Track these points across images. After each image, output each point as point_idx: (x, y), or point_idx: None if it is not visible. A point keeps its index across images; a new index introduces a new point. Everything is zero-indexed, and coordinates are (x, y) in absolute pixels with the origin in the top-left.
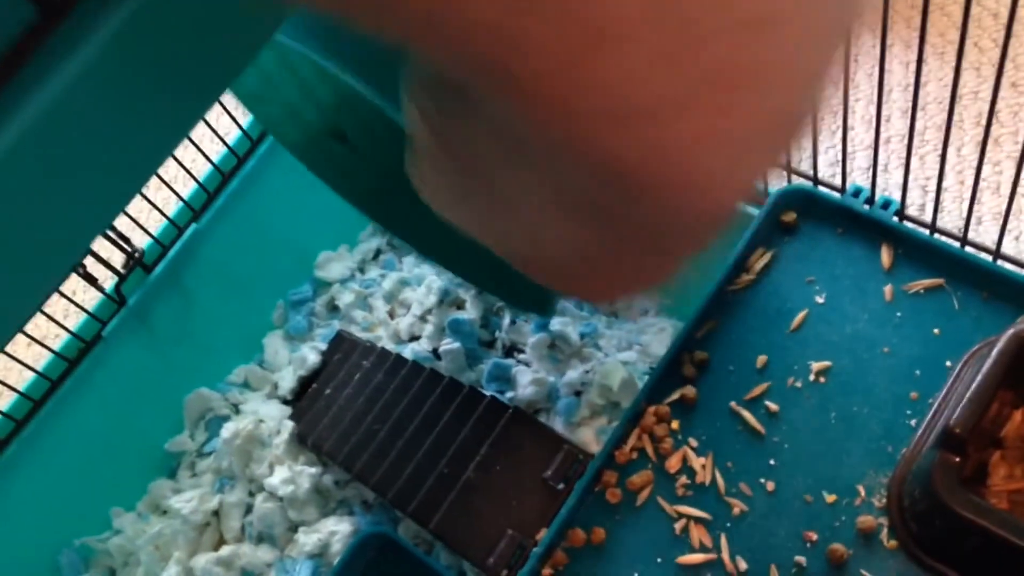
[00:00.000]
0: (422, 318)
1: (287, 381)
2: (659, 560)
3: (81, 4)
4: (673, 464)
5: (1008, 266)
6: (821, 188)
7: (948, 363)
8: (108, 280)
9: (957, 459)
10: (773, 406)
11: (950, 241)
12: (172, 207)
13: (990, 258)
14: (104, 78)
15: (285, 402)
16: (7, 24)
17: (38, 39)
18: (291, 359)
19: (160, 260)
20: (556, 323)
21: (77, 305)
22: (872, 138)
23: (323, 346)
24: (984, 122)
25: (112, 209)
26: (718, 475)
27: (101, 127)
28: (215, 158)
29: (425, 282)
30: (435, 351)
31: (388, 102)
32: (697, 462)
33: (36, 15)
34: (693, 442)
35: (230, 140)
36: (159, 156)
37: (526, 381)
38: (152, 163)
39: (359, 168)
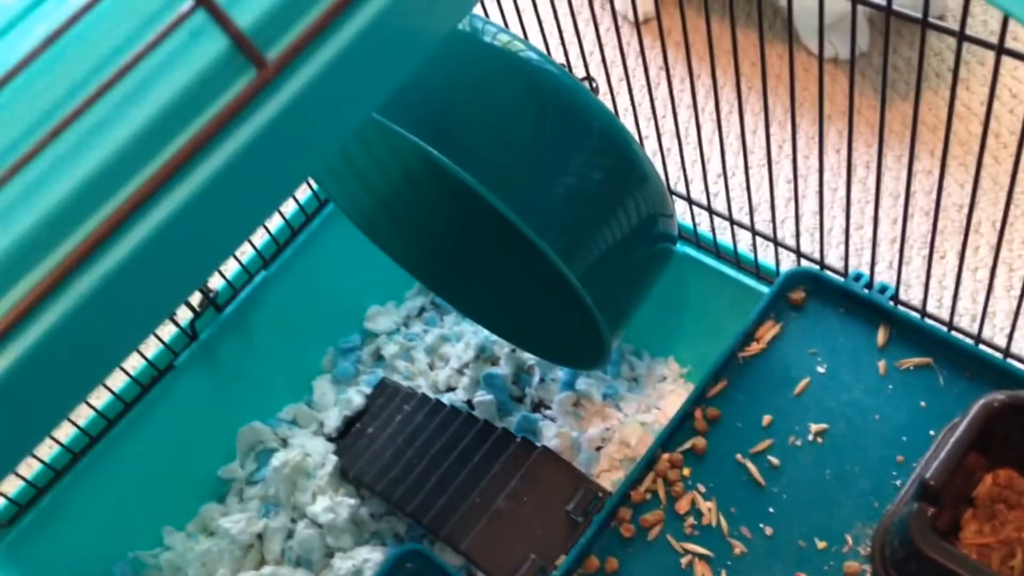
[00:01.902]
0: (459, 371)
1: (332, 420)
2: None
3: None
4: (682, 506)
5: (988, 350)
6: (827, 272)
7: (932, 432)
8: (183, 316)
9: (932, 510)
10: (775, 460)
11: (939, 325)
12: (245, 255)
13: (973, 342)
14: (279, 138)
15: (330, 439)
16: (229, 81)
17: (252, 95)
18: (337, 400)
19: (231, 302)
20: (582, 383)
21: (156, 336)
22: (873, 232)
23: (368, 390)
24: (965, 224)
25: (229, 250)
26: (722, 518)
27: (255, 178)
28: (287, 214)
29: (464, 339)
30: (469, 402)
31: (456, 166)
32: (704, 505)
33: (254, 74)
34: (702, 488)
35: (301, 199)
36: (274, 206)
37: (551, 434)
38: (269, 211)
39: (415, 237)
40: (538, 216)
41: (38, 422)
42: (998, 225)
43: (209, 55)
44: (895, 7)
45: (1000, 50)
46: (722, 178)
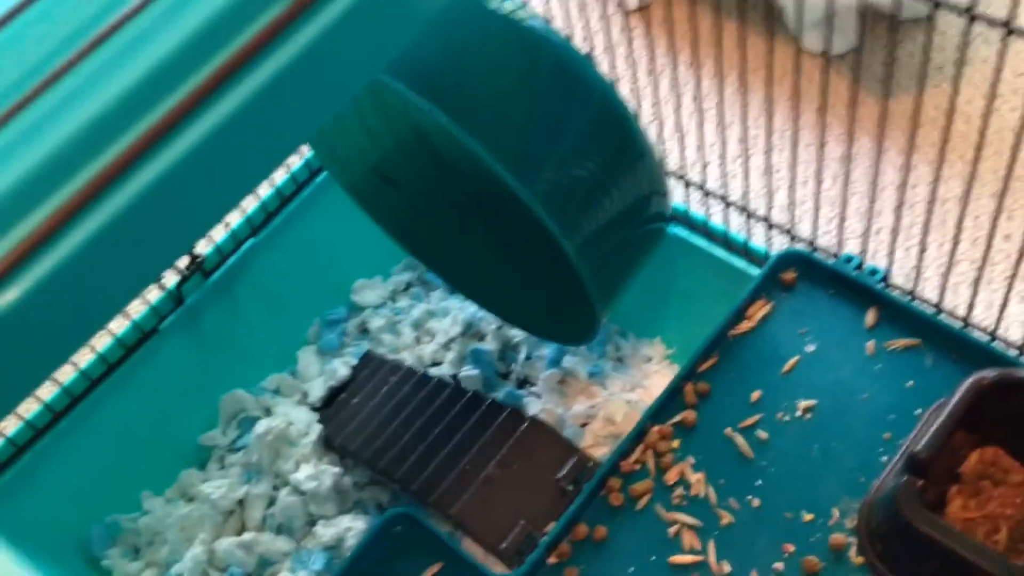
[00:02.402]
0: (445, 346)
1: (317, 390)
2: (653, 558)
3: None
4: (671, 477)
5: (975, 332)
6: (818, 253)
7: (918, 411)
8: (169, 279)
9: (920, 483)
10: (763, 434)
11: (927, 308)
12: (233, 221)
13: (960, 324)
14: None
15: (313, 409)
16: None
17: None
18: (322, 371)
19: (218, 268)
20: (568, 360)
21: (141, 297)
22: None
23: (354, 361)
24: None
25: (259, 178)
26: (711, 489)
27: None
28: (277, 182)
29: (451, 314)
30: (455, 377)
31: (459, 128)
32: (693, 477)
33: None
34: (691, 459)
35: (292, 168)
36: (295, 144)
37: (536, 410)
38: (290, 148)
39: (407, 208)
40: (536, 184)
41: (52, 349)
42: (982, 221)
43: None
44: (878, 4)
45: (1008, 29)
46: (712, 162)
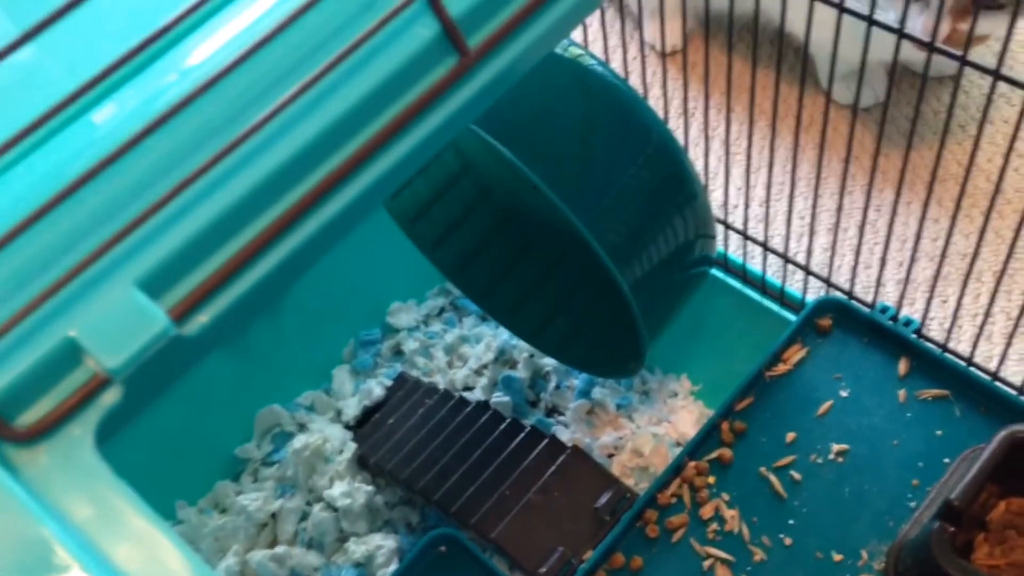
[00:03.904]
0: (478, 371)
1: (351, 409)
2: None
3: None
4: (707, 512)
5: (1004, 387)
6: (854, 302)
7: (946, 460)
8: None
9: (952, 530)
10: (797, 475)
11: (958, 360)
12: None
13: (990, 378)
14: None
15: (347, 427)
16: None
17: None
18: (356, 390)
19: None
20: (597, 392)
21: None
22: (904, 269)
23: (388, 382)
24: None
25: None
26: (744, 526)
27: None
28: None
29: (484, 340)
30: (486, 402)
31: (525, 167)
32: (728, 513)
33: (457, 60)
34: (726, 496)
35: None
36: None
37: (564, 440)
38: None
39: (451, 237)
40: (593, 220)
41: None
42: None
43: (421, 40)
44: (907, 61)
45: None
46: (751, 206)
